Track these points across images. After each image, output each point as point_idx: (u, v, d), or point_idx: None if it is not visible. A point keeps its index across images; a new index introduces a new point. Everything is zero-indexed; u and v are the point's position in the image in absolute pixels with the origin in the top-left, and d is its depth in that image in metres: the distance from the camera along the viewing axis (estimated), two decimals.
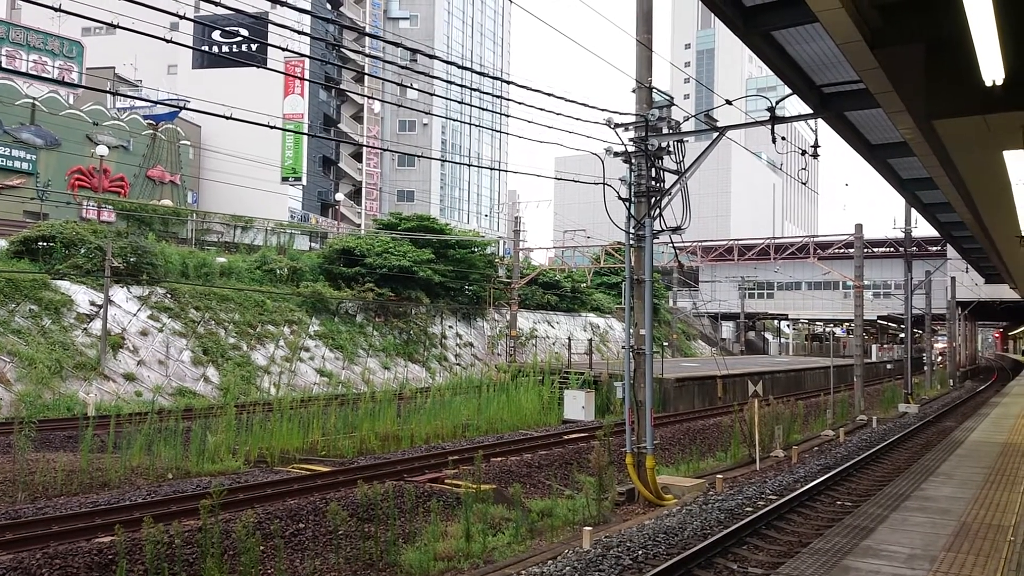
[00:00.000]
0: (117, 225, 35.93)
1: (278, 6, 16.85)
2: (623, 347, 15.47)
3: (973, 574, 7.14)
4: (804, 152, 14.90)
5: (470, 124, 36.98)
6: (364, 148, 67.84)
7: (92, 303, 26.52)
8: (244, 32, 49.89)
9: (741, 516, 12.01)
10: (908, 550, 7.94)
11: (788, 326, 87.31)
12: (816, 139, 14.90)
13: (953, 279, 50.89)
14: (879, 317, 65.02)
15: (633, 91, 14.84)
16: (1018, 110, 8.38)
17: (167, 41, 9.38)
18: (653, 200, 14.45)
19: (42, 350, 23.59)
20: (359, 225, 63.44)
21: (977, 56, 7.16)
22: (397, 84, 12.17)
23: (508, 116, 12.85)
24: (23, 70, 40.65)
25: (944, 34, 8.02)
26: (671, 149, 14.47)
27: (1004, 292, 46.33)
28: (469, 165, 50.46)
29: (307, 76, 53.49)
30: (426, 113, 16.70)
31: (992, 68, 7.37)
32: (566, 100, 12.89)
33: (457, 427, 22.92)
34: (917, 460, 15.41)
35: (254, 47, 50.05)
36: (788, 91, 12.85)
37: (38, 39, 42.63)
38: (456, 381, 33.33)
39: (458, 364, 38.77)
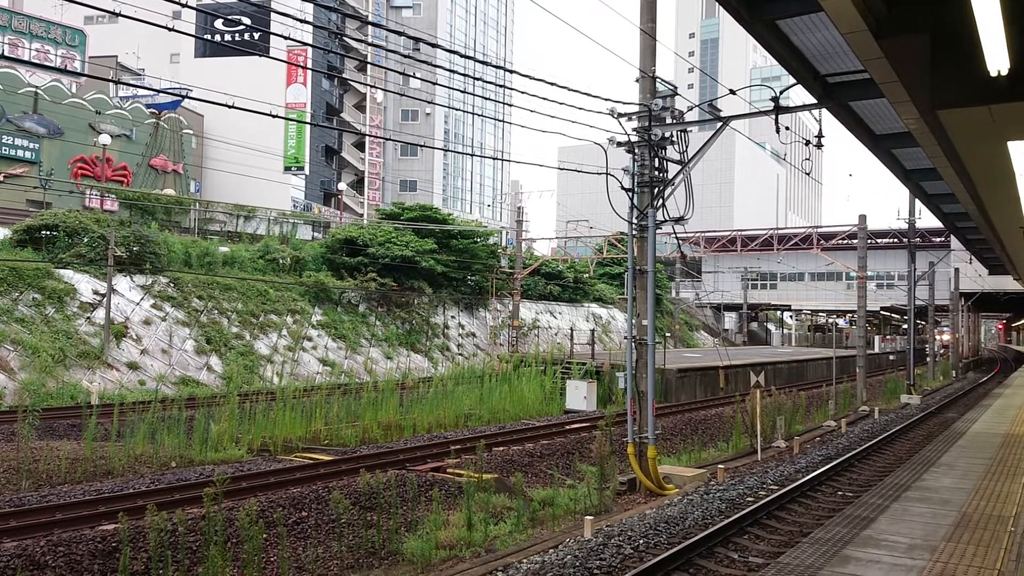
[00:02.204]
0: (120, 214, 35.95)
1: None
2: (625, 337, 15.49)
3: (973, 564, 7.16)
4: (808, 142, 14.85)
5: (473, 113, 36.82)
6: (367, 137, 67.74)
7: (95, 292, 26.57)
8: (246, 21, 49.77)
9: (742, 506, 12.04)
10: (908, 540, 7.96)
11: (791, 317, 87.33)
12: (820, 129, 14.86)
13: (956, 270, 50.79)
14: (882, 308, 64.97)
15: (637, 81, 14.79)
16: (1023, 100, 8.35)
17: (169, 30, 9.35)
18: (656, 190, 14.42)
19: (46, 339, 23.66)
20: (362, 215, 63.40)
21: (982, 46, 7.13)
22: (400, 73, 12.16)
23: (511, 106, 12.82)
24: (26, 58, 40.58)
25: (949, 24, 7.98)
26: (674, 139, 14.43)
27: (1008, 283, 46.29)
28: (472, 155, 50.34)
29: (310, 65, 53.37)
30: (429, 102, 16.68)
31: (997, 58, 7.34)
32: (569, 90, 12.85)
33: (459, 417, 22.97)
34: (919, 451, 15.43)
35: (256, 36, 49.93)
36: (792, 81, 12.79)
37: (41, 27, 42.55)
38: (458, 371, 33.37)
39: (460, 354, 38.82)
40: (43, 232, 28.17)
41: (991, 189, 13.81)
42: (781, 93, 13.47)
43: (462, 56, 11.89)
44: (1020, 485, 10.81)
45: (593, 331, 40.34)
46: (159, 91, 43.03)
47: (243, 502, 11.52)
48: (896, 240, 58.95)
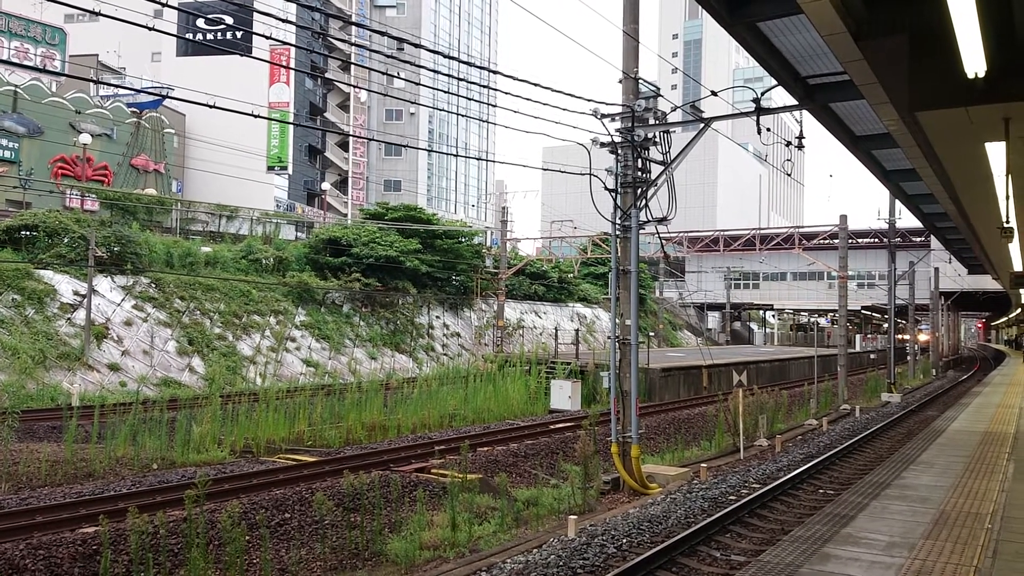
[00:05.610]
0: (101, 214, 35.64)
1: None
2: (609, 337, 15.54)
3: (951, 561, 7.25)
4: (789, 143, 14.97)
5: (457, 114, 36.83)
6: (350, 137, 67.52)
7: (76, 293, 26.33)
8: (228, 20, 49.48)
9: (724, 504, 12.11)
10: (887, 538, 8.04)
11: (773, 316, 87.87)
12: (801, 130, 14.99)
13: (936, 270, 51.31)
14: (863, 307, 65.51)
15: (620, 82, 14.85)
16: (999, 102, 8.45)
17: (150, 29, 9.29)
18: (639, 191, 14.48)
19: (25, 340, 23.42)
20: (345, 215, 63.17)
21: (960, 49, 7.21)
22: (384, 73, 12.13)
23: (495, 106, 12.84)
24: (4, 57, 40.12)
25: (927, 26, 8.07)
26: (657, 140, 14.50)
27: (986, 283, 46.73)
28: (456, 155, 50.37)
29: (293, 64, 53.12)
30: (413, 103, 16.68)
31: (974, 61, 7.42)
32: (553, 90, 12.88)
33: (444, 417, 22.95)
34: (899, 449, 15.58)
35: (239, 35, 49.64)
36: (774, 82, 12.88)
37: (20, 26, 42.09)
38: (443, 371, 33.32)
39: (445, 354, 38.78)
40: (23, 232, 27.89)
41: (969, 190, 13.95)
42: (763, 95, 13.57)
43: (446, 57, 11.89)
44: (998, 483, 10.95)
45: (577, 331, 40.40)
46: (140, 90, 42.69)
47: (225, 504, 11.46)
48: (877, 240, 59.45)
